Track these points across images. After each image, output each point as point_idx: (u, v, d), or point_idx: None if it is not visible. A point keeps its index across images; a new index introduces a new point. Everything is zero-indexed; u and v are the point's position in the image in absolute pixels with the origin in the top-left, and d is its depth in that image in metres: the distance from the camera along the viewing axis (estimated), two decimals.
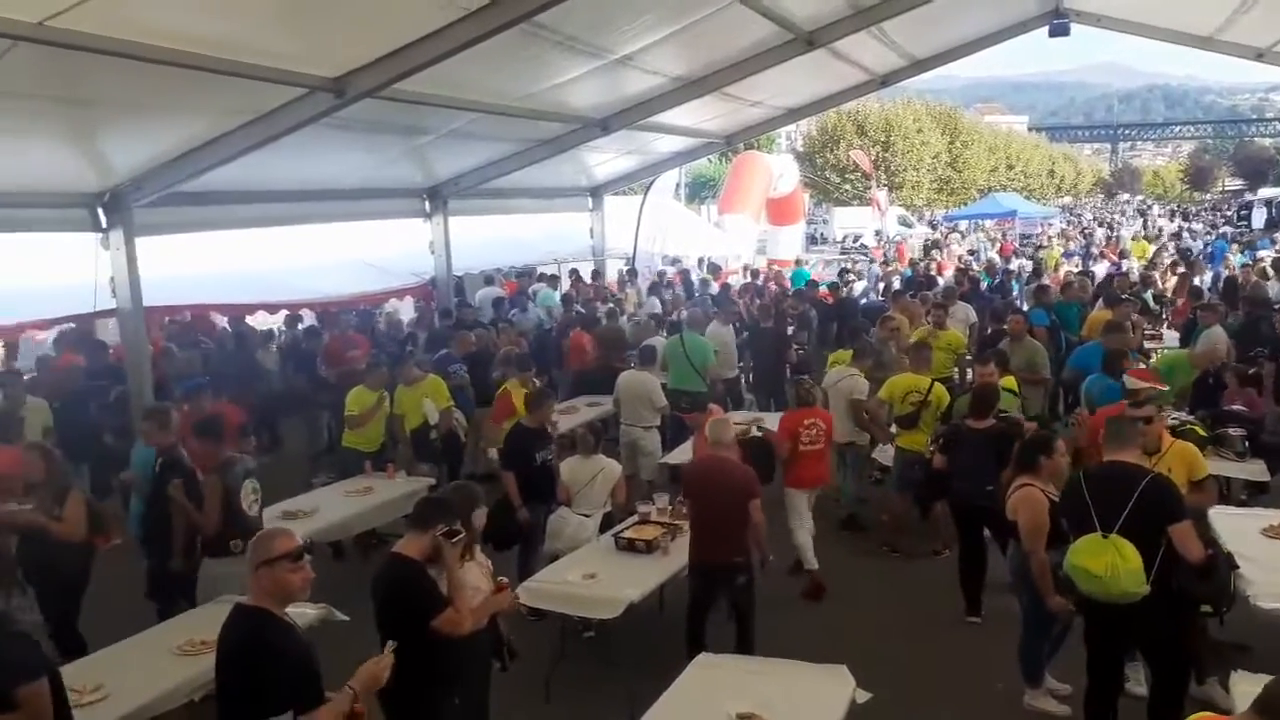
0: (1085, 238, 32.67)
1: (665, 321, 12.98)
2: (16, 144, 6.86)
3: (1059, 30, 12.57)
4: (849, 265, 22.77)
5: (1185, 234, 33.14)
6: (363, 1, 6.21)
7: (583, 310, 13.93)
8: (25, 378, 9.25)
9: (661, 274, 17.61)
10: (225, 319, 12.94)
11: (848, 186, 48.54)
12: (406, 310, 14.66)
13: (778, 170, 23.55)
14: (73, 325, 10.35)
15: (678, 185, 22.36)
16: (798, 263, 21.77)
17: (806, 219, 33.86)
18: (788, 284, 17.08)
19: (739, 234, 22.23)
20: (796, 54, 10.47)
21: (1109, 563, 4.51)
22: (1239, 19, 10.97)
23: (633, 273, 17.59)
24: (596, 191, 16.87)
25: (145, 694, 4.70)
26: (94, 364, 10.15)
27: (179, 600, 6.11)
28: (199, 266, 11.18)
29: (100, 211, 8.12)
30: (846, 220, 44.73)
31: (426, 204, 12.92)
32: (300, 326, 13.13)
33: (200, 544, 6.05)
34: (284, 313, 13.31)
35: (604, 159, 14.82)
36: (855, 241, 38.99)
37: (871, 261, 24.00)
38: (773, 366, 11.65)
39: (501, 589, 4.60)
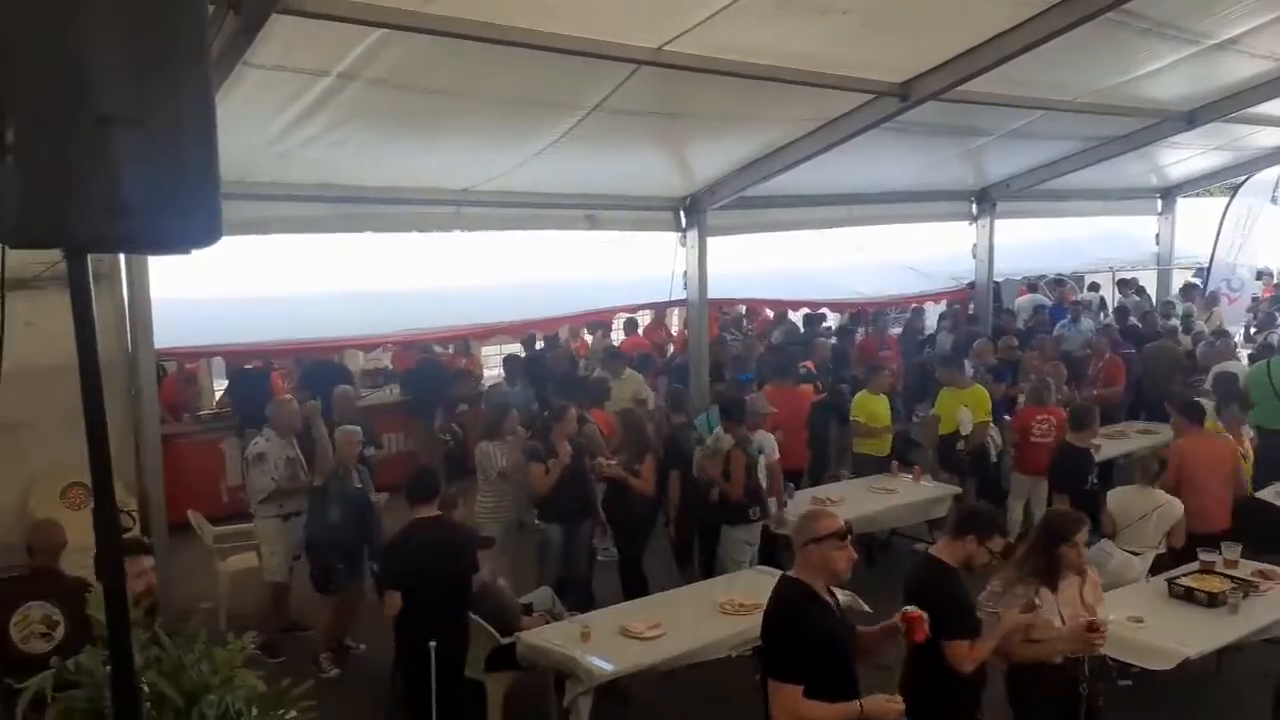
0: None
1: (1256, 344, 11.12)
2: (627, 155, 8.05)
3: None
4: None
5: None
6: (933, 6, 6.19)
7: (1139, 325, 12.53)
8: None
9: (1190, 287, 15.19)
10: (772, 313, 13.89)
11: None
12: (934, 315, 14.38)
13: None
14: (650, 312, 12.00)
15: (1276, 186, 18.88)
16: None
17: None
18: None
19: None
20: None
21: None
22: None
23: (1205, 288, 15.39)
24: (1168, 193, 15.01)
25: (694, 641, 5.29)
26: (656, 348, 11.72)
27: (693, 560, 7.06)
28: (752, 264, 12.20)
29: (681, 214, 9.27)
30: None
31: (974, 207, 12.58)
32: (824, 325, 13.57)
33: (723, 510, 6.77)
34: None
35: (1183, 156, 13.07)
36: None
37: None
38: None
39: (1094, 629, 4.26)
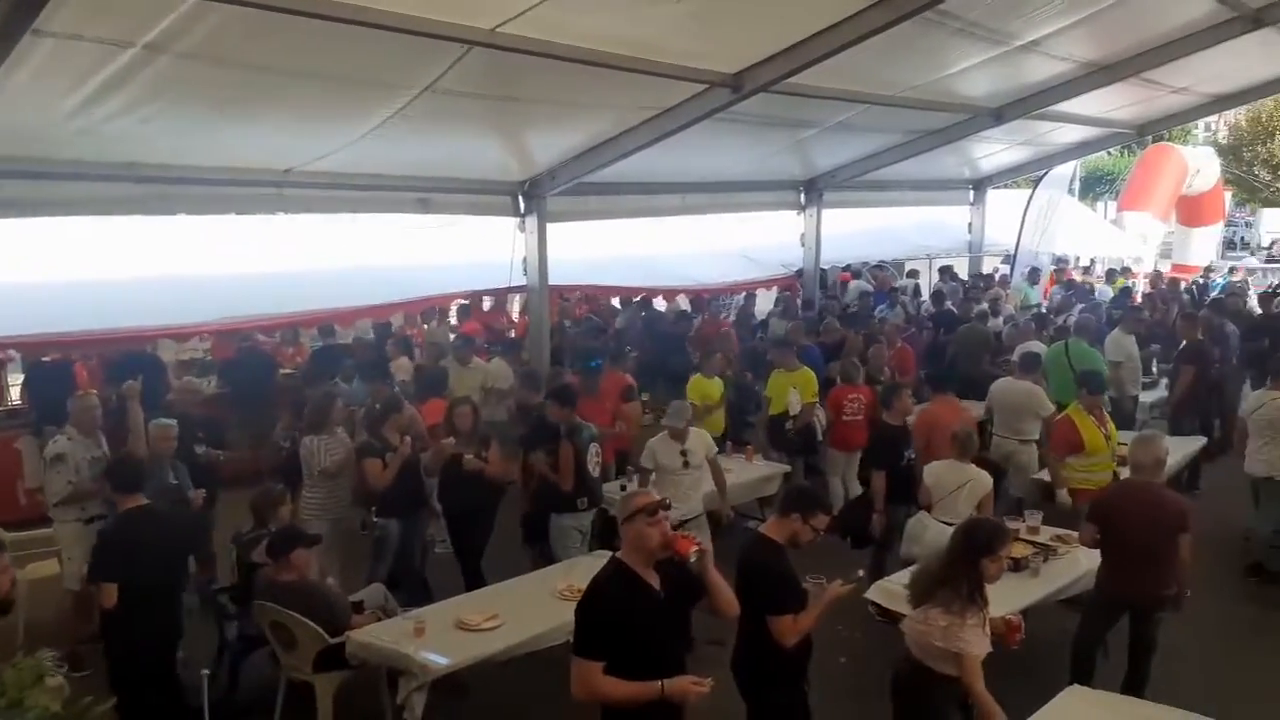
0: None
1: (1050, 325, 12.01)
2: (461, 138, 7.89)
3: None
4: None
5: None
6: None
7: (954, 310, 13.33)
8: None
9: (981, 277, 16.31)
10: (616, 299, 13.95)
11: None
12: (767, 300, 14.85)
13: (1194, 165, 20.83)
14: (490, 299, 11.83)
15: (1072, 179, 20.52)
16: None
17: (1225, 221, 29.55)
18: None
19: (1141, 234, 20.03)
20: (1238, 34, 9.13)
21: None
22: None
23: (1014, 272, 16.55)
24: (980, 184, 16.06)
25: (532, 629, 5.24)
26: (493, 334, 11.54)
27: (543, 544, 6.86)
28: (594, 251, 12.24)
29: (520, 199, 9.17)
30: (1277, 224, 38.44)
31: (802, 196, 13.04)
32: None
33: (552, 498, 6.67)
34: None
35: (992, 150, 14.02)
36: None
37: None
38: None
39: (1014, 629, 4.42)
